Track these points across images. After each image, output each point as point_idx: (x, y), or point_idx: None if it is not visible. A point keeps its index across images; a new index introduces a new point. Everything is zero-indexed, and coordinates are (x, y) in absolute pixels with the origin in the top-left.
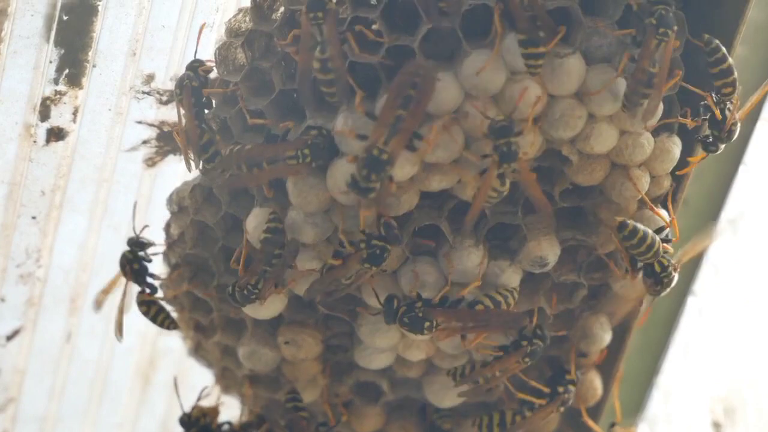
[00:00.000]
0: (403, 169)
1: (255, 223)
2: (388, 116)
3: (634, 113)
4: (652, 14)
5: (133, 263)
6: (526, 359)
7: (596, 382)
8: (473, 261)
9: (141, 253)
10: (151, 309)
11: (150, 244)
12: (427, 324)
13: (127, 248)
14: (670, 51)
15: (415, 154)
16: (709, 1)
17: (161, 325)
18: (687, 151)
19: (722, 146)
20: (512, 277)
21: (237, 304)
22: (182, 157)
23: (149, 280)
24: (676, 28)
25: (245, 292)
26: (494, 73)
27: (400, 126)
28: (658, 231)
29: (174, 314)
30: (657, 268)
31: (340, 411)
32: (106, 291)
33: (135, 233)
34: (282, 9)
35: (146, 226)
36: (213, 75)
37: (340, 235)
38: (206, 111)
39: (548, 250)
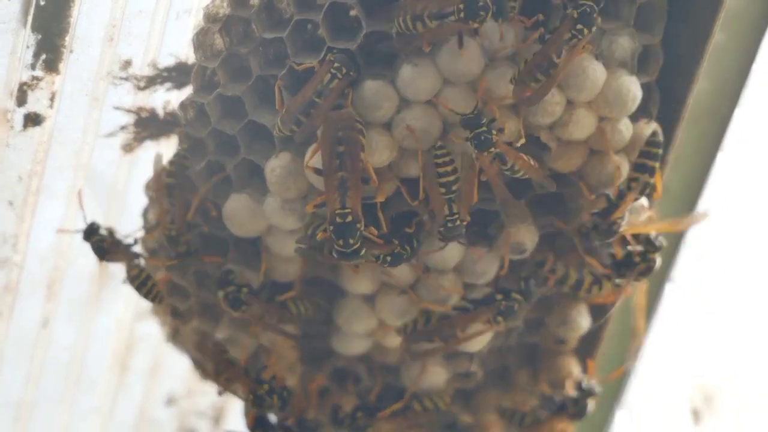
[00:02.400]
0: (381, 155)
1: (233, 208)
2: (333, 181)
3: (518, 91)
4: (576, 7)
5: (103, 243)
6: (499, 318)
7: (574, 369)
8: (451, 248)
9: (101, 233)
10: (141, 274)
11: (97, 225)
12: None
13: (91, 238)
14: (579, 49)
15: (393, 139)
16: None
17: (148, 293)
18: (665, 139)
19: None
20: (490, 264)
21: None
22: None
23: (126, 246)
24: (594, 30)
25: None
26: (473, 59)
27: (347, 185)
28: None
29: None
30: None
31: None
32: None
33: (84, 222)
34: None
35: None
36: (191, 62)
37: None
38: None
39: (526, 237)
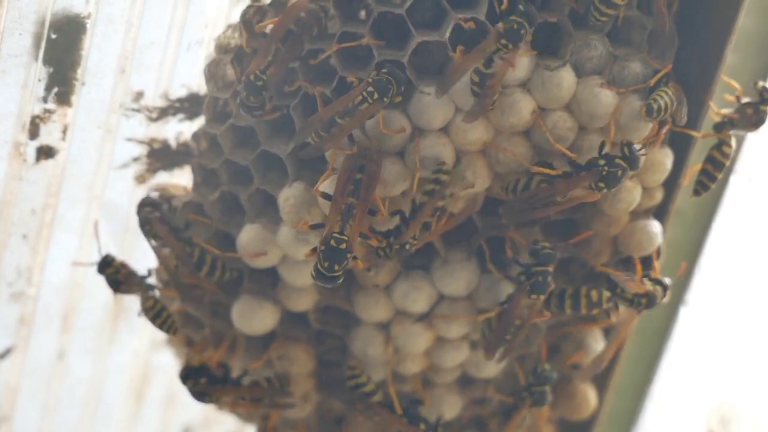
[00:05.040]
0: (395, 184)
1: (247, 239)
2: (340, 204)
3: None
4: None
5: (117, 275)
6: (601, 184)
7: (590, 394)
8: (465, 275)
9: (115, 265)
10: (156, 306)
11: (111, 257)
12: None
13: (105, 271)
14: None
15: (407, 168)
16: (700, 9)
17: (163, 324)
18: (678, 162)
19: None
20: (504, 289)
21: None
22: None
23: (141, 278)
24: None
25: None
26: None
27: (353, 213)
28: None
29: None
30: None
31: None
32: None
33: (99, 254)
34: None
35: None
36: (203, 92)
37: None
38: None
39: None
